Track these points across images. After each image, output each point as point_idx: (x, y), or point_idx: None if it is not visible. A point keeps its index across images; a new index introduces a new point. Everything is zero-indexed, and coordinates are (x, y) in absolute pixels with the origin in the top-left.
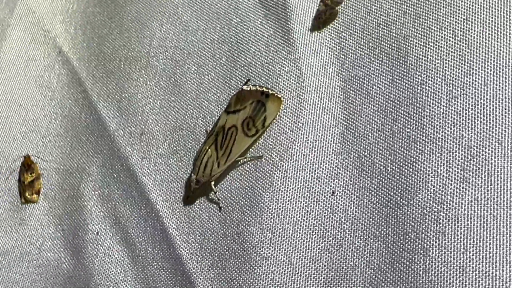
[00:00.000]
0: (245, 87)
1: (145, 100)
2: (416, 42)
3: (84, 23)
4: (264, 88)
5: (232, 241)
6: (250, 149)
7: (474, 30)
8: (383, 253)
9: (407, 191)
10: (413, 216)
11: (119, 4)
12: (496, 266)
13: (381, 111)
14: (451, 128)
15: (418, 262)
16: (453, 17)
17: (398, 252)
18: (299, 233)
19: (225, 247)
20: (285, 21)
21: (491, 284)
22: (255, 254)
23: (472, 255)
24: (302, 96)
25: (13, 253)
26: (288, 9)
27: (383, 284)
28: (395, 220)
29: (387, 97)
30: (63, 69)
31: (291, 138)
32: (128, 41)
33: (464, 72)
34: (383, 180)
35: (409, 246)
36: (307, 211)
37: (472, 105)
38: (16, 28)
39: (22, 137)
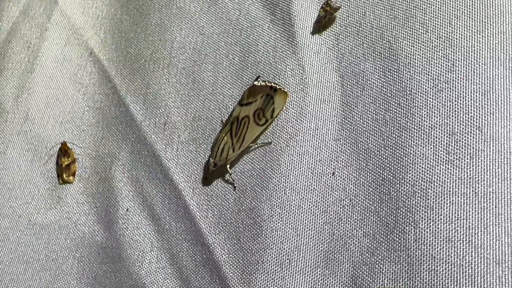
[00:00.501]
0: (256, 83)
1: (168, 94)
2: (405, 43)
3: (112, 28)
4: (272, 83)
5: (245, 216)
6: (261, 137)
7: (456, 32)
8: (378, 225)
9: (398, 171)
10: (404, 193)
11: (143, 13)
12: (478, 236)
13: (375, 103)
14: (436, 117)
15: (409, 232)
16: (438, 21)
17: (391, 224)
18: (304, 208)
19: (240, 221)
20: (290, 26)
21: (474, 251)
22: (266, 227)
23: (457, 226)
24: (305, 90)
25: (52, 227)
26: (292, 15)
27: (378, 251)
28: (388, 196)
29: (380, 90)
30: (94, 68)
31: (296, 127)
32: (152, 43)
33: (448, 68)
34: (377, 162)
35: (401, 219)
36: (311, 189)
37: (455, 97)
38: (53, 31)
39: (59, 126)
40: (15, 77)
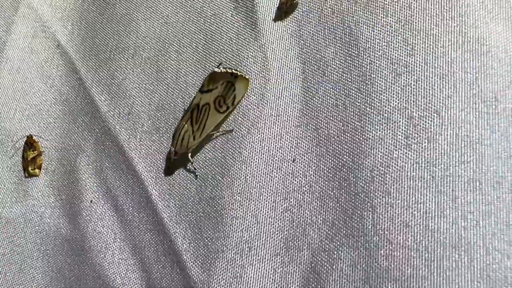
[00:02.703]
0: (216, 70)
1: (132, 84)
2: (365, 27)
3: (79, 19)
4: (233, 70)
5: (206, 205)
6: (222, 124)
7: (416, 16)
8: (337, 212)
9: (358, 156)
10: (363, 178)
11: (110, 2)
12: (434, 220)
13: (335, 88)
14: (395, 101)
15: (367, 218)
16: (398, 4)
17: (350, 210)
18: (265, 195)
19: (201, 210)
20: (252, 13)
21: (430, 236)
22: (226, 216)
23: (414, 211)
24: (267, 77)
25: (18, 221)
26: (254, 2)
27: (337, 238)
28: (347, 182)
29: (340, 76)
30: (61, 60)
31: (257, 114)
32: (117, 34)
33: (407, 52)
34: (337, 148)
35: (359, 205)
36: (271, 176)
37: (413, 81)
38: (20, 24)
39: (25, 119)
40: None
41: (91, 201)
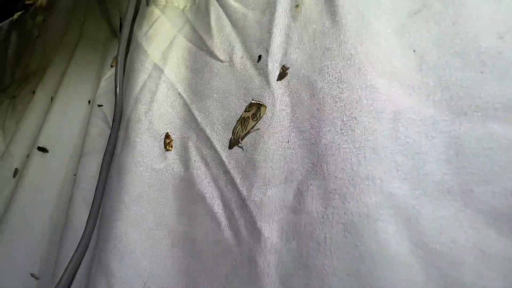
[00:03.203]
0: (252, 101)
1: (212, 110)
2: (319, 78)
3: (189, 83)
4: (259, 102)
5: (247, 161)
6: (255, 126)
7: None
8: (308, 164)
9: (317, 138)
10: (320, 148)
11: (204, 79)
12: None
13: (306, 109)
14: (330, 110)
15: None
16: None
17: (315, 162)
18: (276, 156)
19: (245, 163)
20: (266, 78)
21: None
22: (258, 166)
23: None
24: (274, 106)
25: (161, 170)
26: (268, 75)
27: (308, 178)
28: (314, 150)
29: (307, 104)
30: (180, 100)
31: (271, 122)
32: (205, 89)
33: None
34: (307, 135)
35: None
36: (278, 148)
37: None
38: (162, 84)
39: (165, 126)
40: (144, 105)
41: (194, 160)
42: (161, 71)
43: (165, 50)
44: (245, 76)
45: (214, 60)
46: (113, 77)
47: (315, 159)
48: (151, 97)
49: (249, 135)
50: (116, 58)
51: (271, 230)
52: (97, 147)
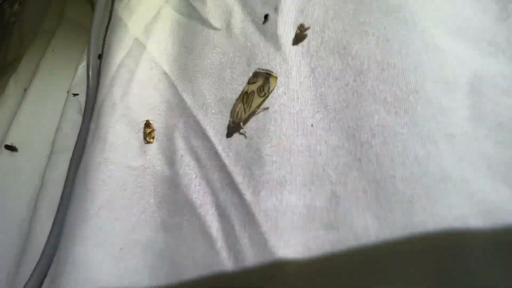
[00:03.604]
0: (258, 69)
1: (205, 88)
2: (356, 45)
3: (175, 59)
4: (268, 71)
5: (254, 153)
6: (262, 105)
7: (391, 30)
8: (347, 157)
9: (358, 120)
10: (364, 134)
11: (192, 48)
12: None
13: (337, 80)
14: (383, 85)
15: (372, 161)
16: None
17: (358, 155)
18: (294, 148)
19: (249, 156)
20: (276, 40)
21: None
22: (268, 160)
23: (405, 157)
24: (289, 76)
25: (140, 168)
26: (278, 35)
27: (348, 177)
28: (353, 137)
29: (339, 73)
30: (166, 80)
31: (285, 99)
32: (196, 64)
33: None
34: (343, 117)
35: (364, 152)
36: (298, 134)
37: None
38: (143, 63)
39: (145, 113)
40: (121, 87)
41: (182, 155)
42: (143, 47)
43: (149, 23)
44: (248, 43)
45: (207, 29)
46: (103, 69)
47: (357, 149)
48: (129, 78)
49: (254, 117)
50: (90, 32)
51: (291, 254)
52: (70, 144)
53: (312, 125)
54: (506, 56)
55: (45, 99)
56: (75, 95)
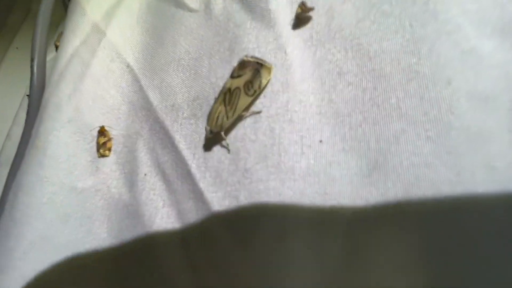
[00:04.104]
0: (245, 58)
1: (176, 85)
2: (373, 39)
3: (141, 48)
4: (258, 59)
5: (241, 175)
6: (252, 107)
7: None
8: (365, 185)
9: (380, 141)
10: (389, 162)
11: (161, 35)
12: None
13: (349, 86)
14: (409, 100)
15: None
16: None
17: (372, 174)
18: (298, 170)
19: (236, 180)
20: (269, 20)
21: None
22: (261, 187)
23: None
24: (288, 69)
25: (90, 191)
26: (271, 11)
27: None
28: (360, 151)
29: (355, 76)
30: (129, 75)
31: (284, 99)
32: (167, 53)
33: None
34: (357, 132)
35: (378, 164)
36: (303, 152)
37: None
38: (101, 53)
39: (101, 116)
40: (71, 83)
41: (145, 174)
42: (102, 34)
43: (112, 6)
44: (230, 23)
45: (182, 11)
46: (55, 61)
47: (379, 181)
48: (81, 72)
49: (240, 124)
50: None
51: None
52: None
53: (321, 141)
54: None
55: (5, 102)
56: (29, 96)
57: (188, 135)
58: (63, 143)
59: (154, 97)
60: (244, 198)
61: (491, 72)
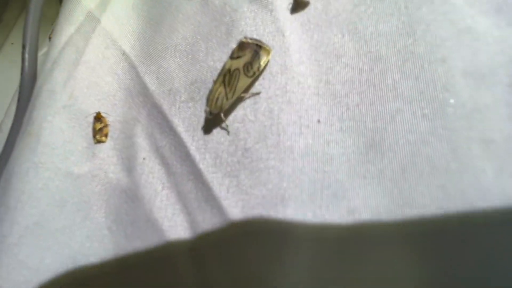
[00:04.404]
0: (244, 39)
1: (173, 69)
2: (369, 23)
3: (138, 36)
4: (257, 41)
5: (241, 155)
6: (251, 88)
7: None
8: (359, 161)
9: (377, 120)
10: (385, 140)
11: (158, 21)
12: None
13: (346, 68)
14: (407, 81)
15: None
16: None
17: (370, 154)
18: (297, 150)
19: (235, 159)
20: (266, 3)
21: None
22: (262, 165)
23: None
24: (286, 52)
25: (86, 176)
26: None
27: (367, 191)
28: (371, 141)
29: (352, 58)
30: (125, 62)
31: (282, 81)
32: (163, 39)
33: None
34: (357, 114)
35: (374, 147)
36: (301, 132)
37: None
38: (95, 40)
39: (97, 102)
40: (65, 70)
41: (144, 158)
42: (97, 21)
43: None
44: (227, 7)
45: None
46: (48, 50)
47: (376, 158)
48: (76, 58)
49: (240, 106)
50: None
51: None
52: None
53: (319, 121)
54: None
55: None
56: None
57: (186, 118)
58: (58, 129)
59: (151, 83)
60: (245, 176)
61: (488, 49)
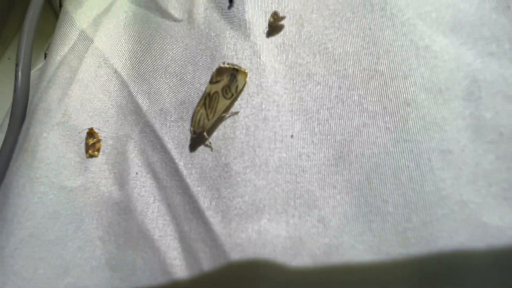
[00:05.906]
0: (222, 65)
1: (163, 90)
2: (338, 44)
3: (129, 56)
4: (235, 66)
5: (222, 170)
6: (230, 108)
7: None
8: (331, 173)
9: (345, 134)
10: (352, 152)
11: (148, 42)
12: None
13: (320, 84)
14: (372, 96)
15: (354, 166)
16: (361, 24)
17: (339, 165)
18: (271, 163)
19: (217, 175)
20: (245, 29)
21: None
22: (240, 179)
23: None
24: (262, 73)
25: (79, 189)
26: (247, 22)
27: (336, 200)
28: (340, 153)
29: (322, 77)
30: (116, 80)
31: (258, 101)
32: (154, 60)
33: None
34: (327, 129)
35: (343, 158)
36: (275, 147)
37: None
38: (89, 59)
39: (90, 119)
40: (59, 89)
41: (136, 173)
42: (90, 41)
43: (99, 14)
44: (211, 32)
45: (168, 22)
46: (43, 69)
47: (345, 169)
48: (70, 77)
49: (221, 125)
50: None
51: None
52: None
53: (292, 136)
54: (508, 55)
55: None
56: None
57: (175, 137)
58: (52, 145)
59: (143, 103)
60: (225, 189)
61: (444, 65)
